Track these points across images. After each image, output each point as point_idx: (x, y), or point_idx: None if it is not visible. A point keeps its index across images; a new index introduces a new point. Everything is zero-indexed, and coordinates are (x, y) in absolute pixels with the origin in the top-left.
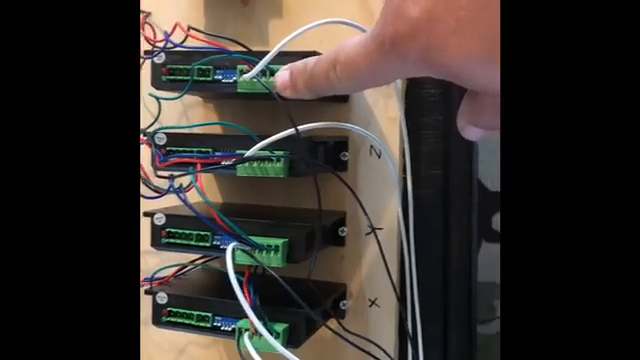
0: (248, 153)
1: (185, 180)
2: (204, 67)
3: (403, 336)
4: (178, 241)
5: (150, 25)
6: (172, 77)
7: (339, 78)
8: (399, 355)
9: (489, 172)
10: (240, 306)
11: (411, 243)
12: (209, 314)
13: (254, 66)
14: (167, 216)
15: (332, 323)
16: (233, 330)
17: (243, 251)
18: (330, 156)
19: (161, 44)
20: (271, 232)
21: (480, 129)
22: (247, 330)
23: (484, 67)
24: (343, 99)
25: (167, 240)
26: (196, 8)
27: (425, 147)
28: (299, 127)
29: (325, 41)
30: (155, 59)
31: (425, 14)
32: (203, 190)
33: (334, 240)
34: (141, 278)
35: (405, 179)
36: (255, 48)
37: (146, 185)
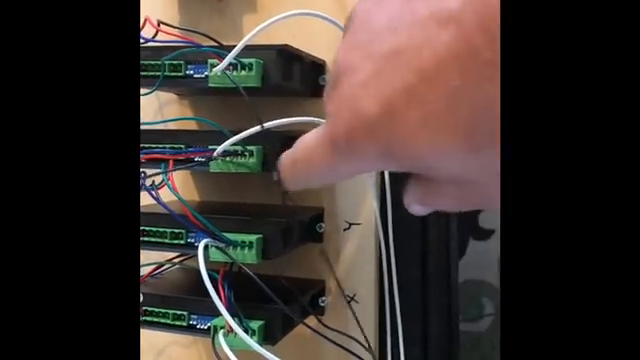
0: (219, 149)
1: (158, 178)
2: (175, 62)
3: (383, 332)
4: (152, 239)
5: None
6: (144, 73)
7: (301, 176)
8: (379, 351)
9: None
10: (215, 304)
11: (390, 238)
12: (185, 313)
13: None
14: (141, 214)
15: (311, 320)
16: (209, 328)
17: (217, 248)
18: None
19: None
20: (245, 228)
21: (431, 209)
22: (222, 328)
23: (461, 155)
24: (319, 94)
25: (141, 238)
26: (171, 4)
27: None
28: (267, 124)
29: (298, 35)
30: None
31: (384, 110)
32: (175, 187)
33: (312, 236)
34: None
35: (382, 173)
36: (230, 43)
37: None
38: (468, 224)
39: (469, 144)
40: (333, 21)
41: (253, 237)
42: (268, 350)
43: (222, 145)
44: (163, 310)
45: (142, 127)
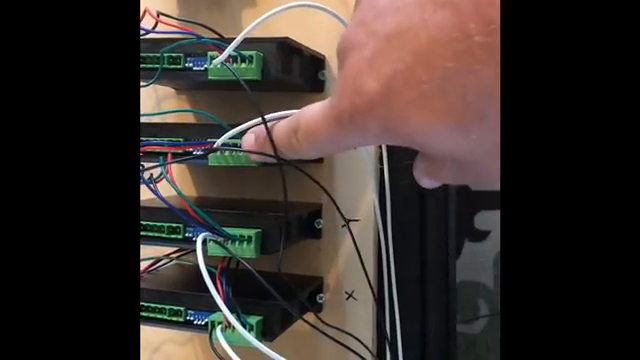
0: (218, 142)
1: (156, 171)
2: (174, 55)
3: (381, 328)
4: (149, 234)
5: None
6: (142, 65)
7: (301, 145)
8: (377, 347)
9: None
10: (213, 299)
11: (388, 235)
12: (182, 308)
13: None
14: None
15: (310, 317)
16: (206, 324)
17: (215, 242)
18: None
19: None
20: (244, 223)
21: (439, 182)
22: (220, 323)
23: (451, 136)
24: (319, 89)
25: None
26: None
27: None
28: (267, 116)
29: (298, 30)
30: None
31: (383, 88)
32: (174, 181)
33: (311, 232)
34: None
35: (382, 170)
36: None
37: None
38: (463, 225)
39: (459, 125)
40: (333, 13)
41: (252, 231)
42: (266, 346)
43: (223, 137)
44: (160, 306)
45: (142, 120)
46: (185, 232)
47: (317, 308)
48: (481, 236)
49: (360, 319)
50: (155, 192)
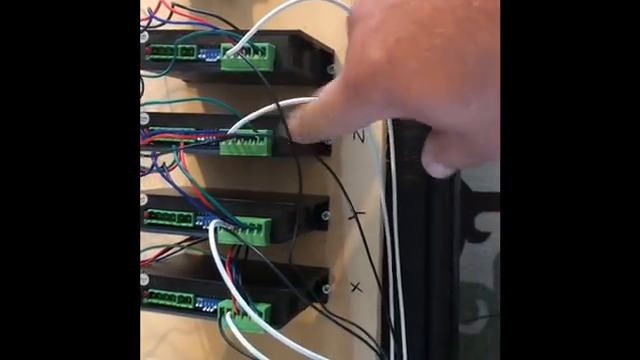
0: (231, 130)
1: (168, 160)
2: (188, 46)
3: (386, 320)
4: (160, 222)
5: None
6: (156, 57)
7: (320, 121)
8: (382, 339)
9: (472, 173)
10: (222, 286)
11: (394, 228)
12: (191, 295)
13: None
14: (149, 196)
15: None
16: (215, 311)
17: (226, 230)
18: None
19: (144, 23)
20: (254, 212)
21: (446, 167)
22: (229, 310)
23: (451, 106)
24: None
25: (149, 221)
26: None
27: (409, 132)
28: (281, 102)
29: (309, 25)
30: None
31: (386, 57)
32: (187, 168)
33: (317, 224)
34: None
35: (389, 164)
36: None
37: None
38: (464, 226)
39: (459, 96)
40: (342, 5)
41: (262, 220)
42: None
43: (236, 124)
44: (169, 293)
45: (151, 109)
46: (195, 220)
47: (323, 299)
48: (481, 237)
49: (365, 310)
50: (168, 179)
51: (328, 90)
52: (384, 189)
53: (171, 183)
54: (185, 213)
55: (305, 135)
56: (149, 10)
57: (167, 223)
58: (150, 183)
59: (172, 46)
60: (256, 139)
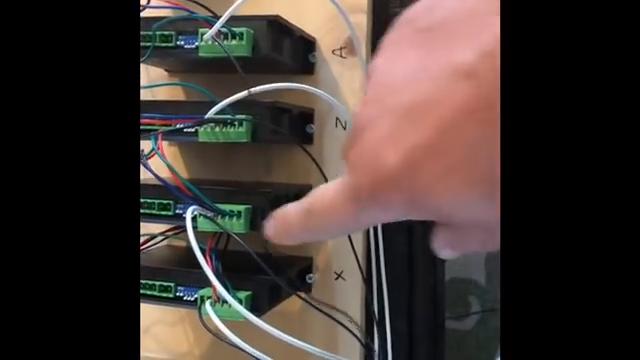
0: (210, 112)
1: (147, 148)
2: (166, 33)
3: (369, 308)
4: (140, 210)
5: None
6: None
7: (317, 227)
8: (366, 326)
9: None
10: (203, 275)
11: None
12: (171, 284)
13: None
14: None
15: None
16: (196, 300)
17: (205, 217)
18: (296, 128)
19: None
20: (234, 199)
21: (462, 253)
22: (209, 298)
23: (483, 205)
24: (309, 71)
25: None
26: None
27: None
28: (253, 89)
29: (289, 11)
30: None
31: (404, 162)
32: (165, 156)
33: None
34: None
35: None
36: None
37: None
38: None
39: (489, 192)
40: None
41: (242, 207)
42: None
43: (212, 109)
44: (150, 282)
45: None
46: (175, 209)
47: (306, 288)
48: None
49: (349, 299)
50: (147, 166)
51: (327, 195)
52: None
53: (150, 171)
54: (165, 201)
55: (291, 238)
56: None
57: (147, 212)
58: None
59: (150, 33)
60: (235, 124)
